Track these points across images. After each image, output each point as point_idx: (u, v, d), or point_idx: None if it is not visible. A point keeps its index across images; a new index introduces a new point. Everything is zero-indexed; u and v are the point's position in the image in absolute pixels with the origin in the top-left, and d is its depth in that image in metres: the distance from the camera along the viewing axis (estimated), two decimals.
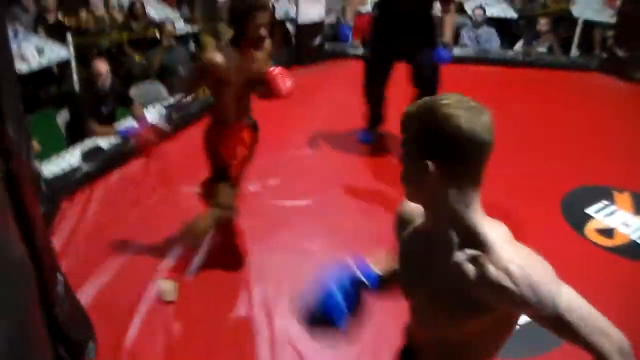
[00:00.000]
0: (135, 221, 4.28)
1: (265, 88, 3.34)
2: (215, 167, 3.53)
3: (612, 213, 4.54)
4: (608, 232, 4.34)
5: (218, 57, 3.19)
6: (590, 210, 4.54)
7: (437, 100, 1.51)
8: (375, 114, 5.29)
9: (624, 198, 4.70)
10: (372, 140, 5.37)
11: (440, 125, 1.46)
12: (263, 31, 3.17)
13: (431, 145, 1.48)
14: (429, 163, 1.47)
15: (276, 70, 3.31)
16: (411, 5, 4.75)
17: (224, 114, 3.39)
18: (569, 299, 1.47)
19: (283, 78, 3.32)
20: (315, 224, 4.30)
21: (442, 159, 1.48)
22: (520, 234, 4.21)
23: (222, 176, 3.52)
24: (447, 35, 4.89)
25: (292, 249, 4.02)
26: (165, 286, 3.67)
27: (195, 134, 5.10)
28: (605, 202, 4.65)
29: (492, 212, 4.60)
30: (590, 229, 4.37)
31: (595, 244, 4.23)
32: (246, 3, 3.13)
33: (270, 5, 7.24)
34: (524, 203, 4.53)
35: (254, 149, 3.63)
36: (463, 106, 1.49)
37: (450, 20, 4.91)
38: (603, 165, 5.13)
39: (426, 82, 4.87)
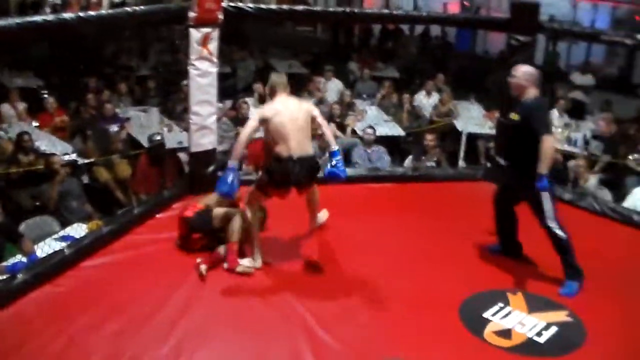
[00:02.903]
0: None
1: None
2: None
3: (507, 314, 4.64)
4: (506, 333, 4.41)
5: None
6: (487, 314, 4.62)
7: None
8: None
9: (518, 299, 4.83)
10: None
11: None
12: None
13: None
14: None
15: None
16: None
17: None
18: None
19: None
20: None
21: None
22: (423, 344, 4.30)
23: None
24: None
25: None
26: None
27: (88, 269, 5.04)
28: (500, 304, 4.75)
29: (394, 324, 4.69)
30: (488, 332, 4.43)
31: (495, 346, 4.29)
32: None
33: (161, 136, 7.35)
34: (424, 313, 4.61)
35: None
36: None
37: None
38: (496, 269, 5.30)
39: None
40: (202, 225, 5.17)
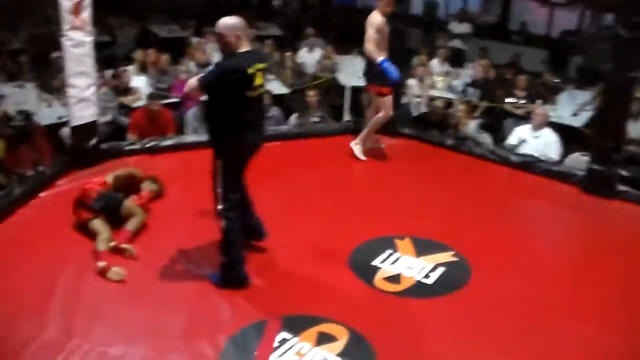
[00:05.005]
0: None
1: None
2: None
3: (396, 260, 4.79)
4: (395, 279, 4.57)
5: None
6: (376, 262, 4.76)
7: None
8: None
9: (405, 244, 5.00)
10: None
11: None
12: None
13: None
14: None
15: None
16: None
17: None
18: None
19: None
20: None
21: None
22: (315, 296, 4.38)
23: None
24: None
25: None
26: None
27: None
28: (389, 251, 4.90)
29: (287, 279, 4.70)
30: (379, 279, 4.57)
31: (385, 292, 4.43)
32: None
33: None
34: (315, 266, 4.70)
35: None
36: None
37: None
38: (382, 218, 5.44)
39: None
40: (108, 205, 5.11)
